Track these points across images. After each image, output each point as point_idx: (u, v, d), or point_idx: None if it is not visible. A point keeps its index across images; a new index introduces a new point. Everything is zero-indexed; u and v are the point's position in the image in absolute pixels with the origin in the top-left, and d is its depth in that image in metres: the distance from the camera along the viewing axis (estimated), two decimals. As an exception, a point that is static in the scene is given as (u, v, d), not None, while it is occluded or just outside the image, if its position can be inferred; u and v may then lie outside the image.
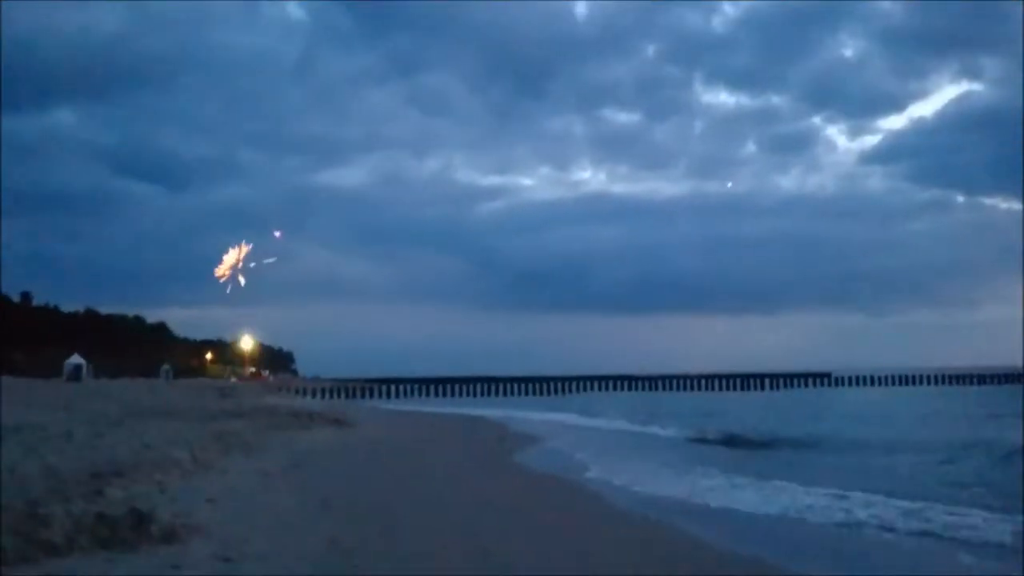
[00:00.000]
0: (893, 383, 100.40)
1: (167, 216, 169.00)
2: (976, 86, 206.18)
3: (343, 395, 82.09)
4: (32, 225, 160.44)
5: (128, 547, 7.95)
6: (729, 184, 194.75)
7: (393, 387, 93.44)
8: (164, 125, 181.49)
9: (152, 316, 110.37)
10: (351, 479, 16.24)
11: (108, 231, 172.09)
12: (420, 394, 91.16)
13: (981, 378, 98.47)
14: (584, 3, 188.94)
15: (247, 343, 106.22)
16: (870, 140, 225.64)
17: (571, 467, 20.06)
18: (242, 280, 58.86)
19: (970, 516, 12.71)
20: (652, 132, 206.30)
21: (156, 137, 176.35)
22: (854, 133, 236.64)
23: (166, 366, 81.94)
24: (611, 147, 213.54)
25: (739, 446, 27.57)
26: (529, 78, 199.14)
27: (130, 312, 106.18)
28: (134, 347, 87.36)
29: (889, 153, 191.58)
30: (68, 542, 7.73)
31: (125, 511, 8.74)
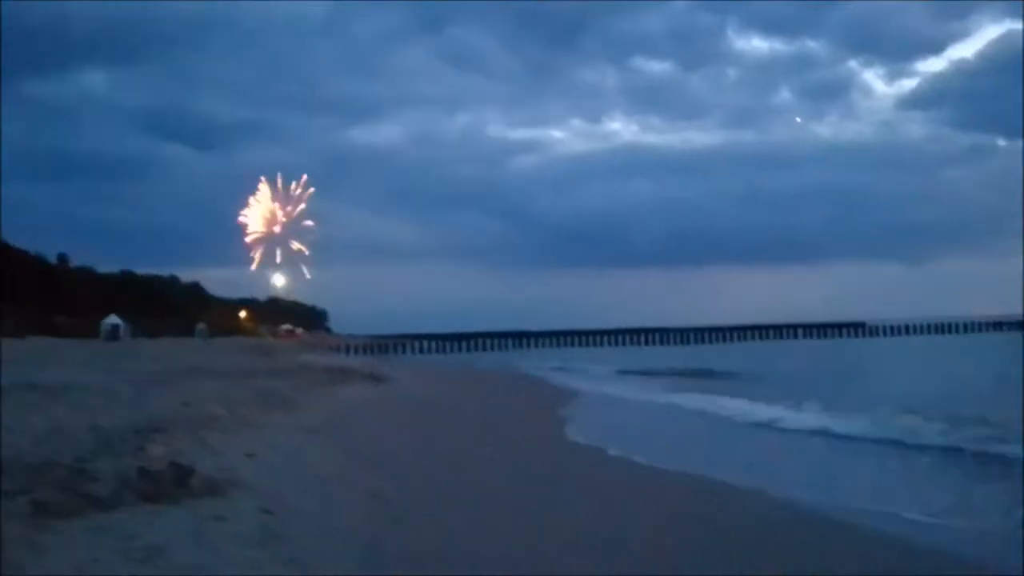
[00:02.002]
0: (928, 332, 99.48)
1: (199, 177, 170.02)
2: (1018, 25, 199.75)
3: (377, 351, 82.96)
4: (66, 188, 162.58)
5: (171, 500, 8.05)
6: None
7: (426, 343, 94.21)
8: (194, 86, 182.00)
9: (187, 276, 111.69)
10: (388, 434, 16.39)
11: (141, 193, 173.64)
12: (453, 350, 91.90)
13: (1022, 325, 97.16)
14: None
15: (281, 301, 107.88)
16: (908, 84, 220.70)
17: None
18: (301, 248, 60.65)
19: None
20: (685, 82, 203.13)
21: (187, 98, 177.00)
22: (892, 77, 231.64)
23: (202, 325, 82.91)
24: (644, 98, 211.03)
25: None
26: (561, 30, 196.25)
27: (165, 272, 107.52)
28: (170, 307, 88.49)
29: (929, 97, 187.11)
30: (114, 496, 7.84)
31: (167, 466, 8.86)
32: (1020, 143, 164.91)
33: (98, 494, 7.77)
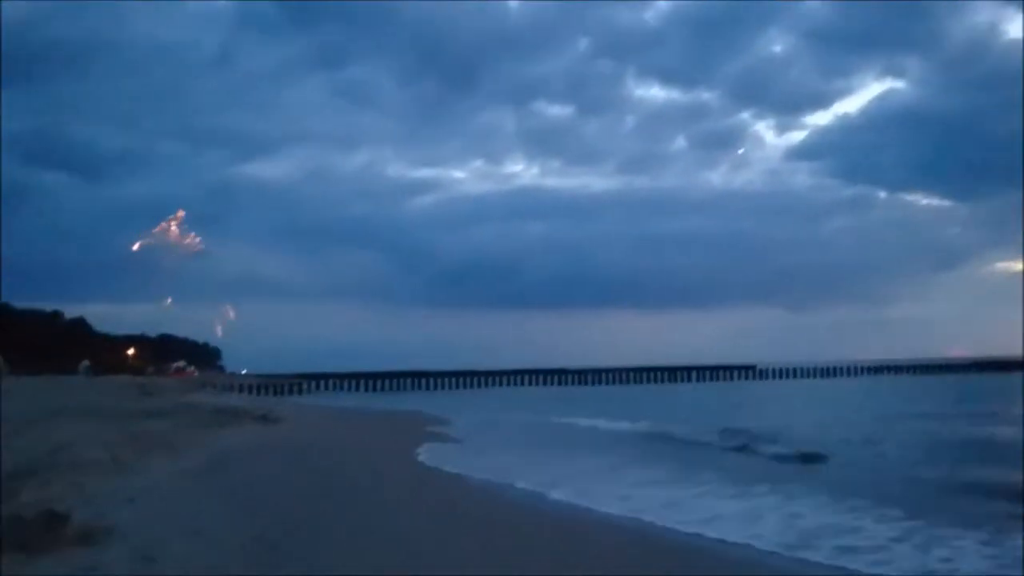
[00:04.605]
0: (815, 375, 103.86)
1: (84, 208, 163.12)
2: (899, 84, 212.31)
3: (271, 391, 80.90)
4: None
5: (42, 549, 7.81)
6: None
7: (322, 382, 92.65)
8: (79, 114, 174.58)
9: (71, 311, 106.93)
10: (274, 477, 16.11)
11: (21, 223, 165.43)
12: (350, 389, 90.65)
13: (898, 369, 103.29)
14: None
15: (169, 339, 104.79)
16: (796, 136, 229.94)
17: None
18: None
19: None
20: (584, 126, 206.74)
21: (71, 126, 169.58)
22: (781, 129, 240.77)
23: (85, 363, 79.48)
24: (543, 141, 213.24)
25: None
26: (460, 71, 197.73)
27: (47, 307, 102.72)
28: (51, 343, 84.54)
29: (815, 149, 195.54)
30: (-21, 545, 7.57)
31: (39, 512, 8.58)
32: (898, 196, 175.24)
33: (-39, 543, 7.49)
